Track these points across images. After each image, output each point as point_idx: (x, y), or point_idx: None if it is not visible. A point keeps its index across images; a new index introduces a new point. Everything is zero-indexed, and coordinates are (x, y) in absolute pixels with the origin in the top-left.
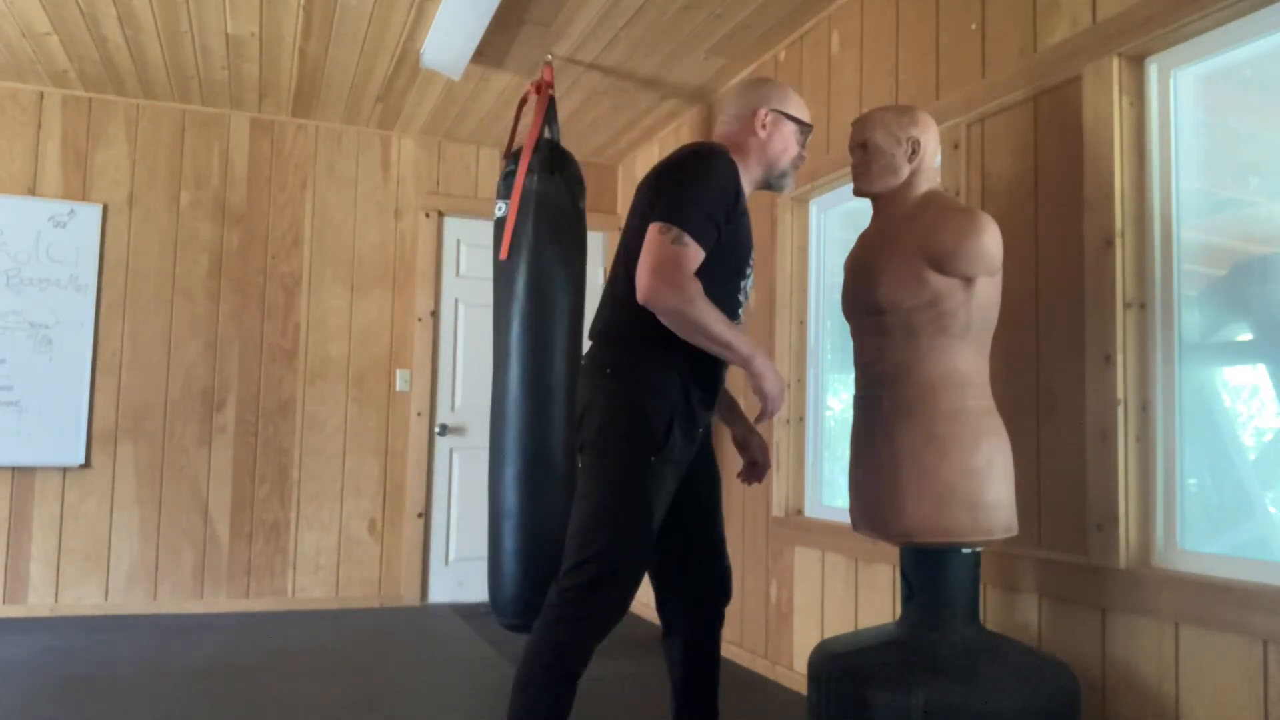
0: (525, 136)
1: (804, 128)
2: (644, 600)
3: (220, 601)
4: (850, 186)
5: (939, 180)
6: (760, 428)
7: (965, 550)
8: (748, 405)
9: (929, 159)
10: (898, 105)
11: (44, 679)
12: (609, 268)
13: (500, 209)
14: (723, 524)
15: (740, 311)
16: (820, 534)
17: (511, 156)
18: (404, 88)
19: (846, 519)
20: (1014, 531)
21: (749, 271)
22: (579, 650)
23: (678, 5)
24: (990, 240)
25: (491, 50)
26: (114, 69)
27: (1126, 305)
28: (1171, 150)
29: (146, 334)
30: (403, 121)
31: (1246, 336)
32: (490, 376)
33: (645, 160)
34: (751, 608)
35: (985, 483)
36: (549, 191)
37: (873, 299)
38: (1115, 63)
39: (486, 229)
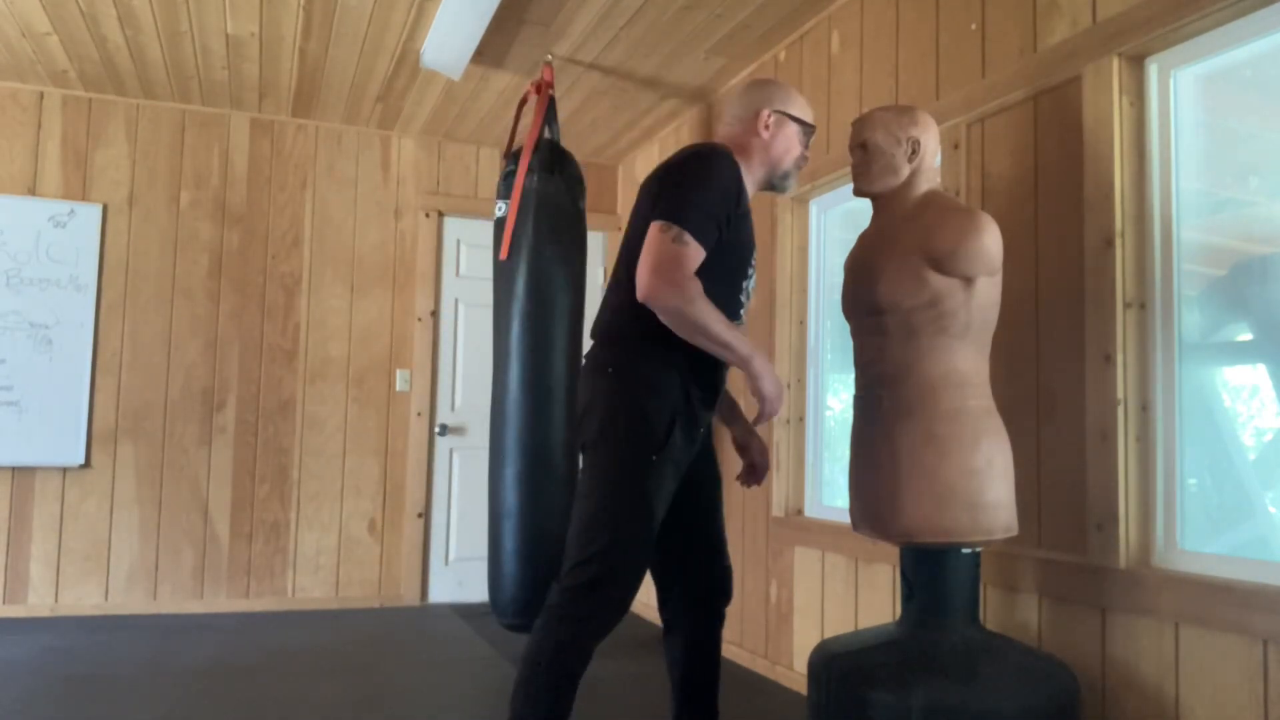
0: (525, 136)
1: (807, 128)
2: (644, 600)
3: (220, 601)
4: (850, 186)
5: (939, 180)
6: (760, 428)
7: (965, 550)
8: (747, 406)
9: (929, 159)
10: (898, 105)
11: (44, 679)
12: (609, 268)
13: (500, 209)
14: (723, 524)
15: (742, 312)
16: (820, 534)
17: (511, 156)
18: (404, 88)
19: (846, 519)
20: (1014, 531)
21: (751, 272)
22: (580, 649)
23: (678, 5)
24: (990, 240)
25: (491, 50)
26: (114, 69)
27: (1126, 305)
28: (1171, 150)
29: (146, 334)
30: (403, 121)
31: (1246, 336)
32: (490, 376)
33: (645, 160)
34: (751, 608)
35: (985, 483)
36: (549, 191)
37: (873, 299)
38: (1115, 63)
39: (486, 229)
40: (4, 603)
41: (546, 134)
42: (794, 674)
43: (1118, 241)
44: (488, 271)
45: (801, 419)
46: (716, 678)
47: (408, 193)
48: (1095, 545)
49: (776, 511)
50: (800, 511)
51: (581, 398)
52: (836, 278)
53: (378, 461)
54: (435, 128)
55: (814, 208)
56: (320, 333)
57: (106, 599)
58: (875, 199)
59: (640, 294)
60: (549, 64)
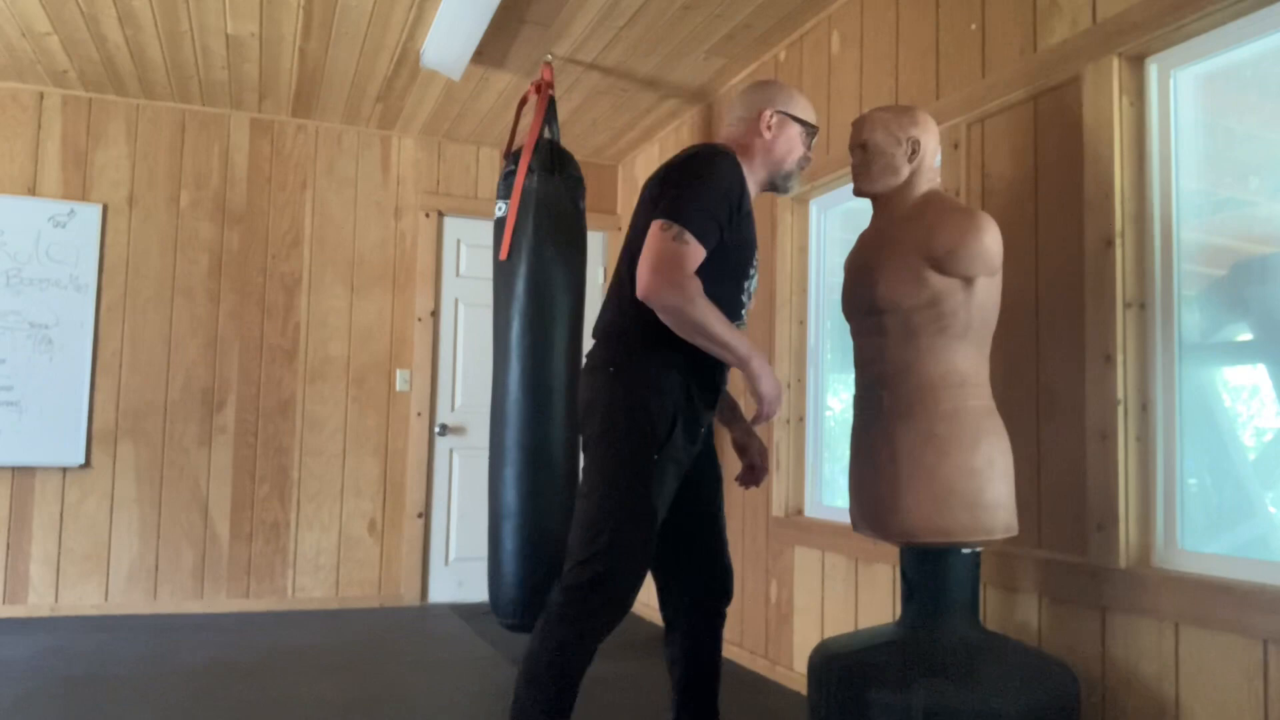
0: (525, 136)
1: (809, 129)
2: (644, 600)
3: (220, 601)
4: (850, 186)
5: (939, 180)
6: (759, 429)
7: (965, 550)
8: (746, 407)
9: (929, 159)
10: (897, 105)
11: (44, 679)
12: (609, 268)
13: (500, 209)
14: (724, 524)
15: (743, 312)
16: (820, 534)
17: (511, 156)
18: (404, 88)
19: (846, 519)
20: (1014, 531)
21: (753, 273)
22: (582, 648)
23: (678, 5)
24: (990, 240)
25: (491, 50)
26: (114, 69)
27: (1126, 305)
28: (1171, 150)
29: (146, 334)
30: (403, 121)
31: (1246, 336)
32: (490, 376)
33: (645, 160)
34: (751, 608)
35: (985, 483)
36: (549, 191)
37: (872, 299)
38: (1115, 63)
39: (486, 229)
40: (4, 603)
41: (546, 134)
42: (794, 674)
43: (1118, 241)
44: (488, 271)
45: (801, 419)
46: (717, 677)
47: (408, 193)
48: (1095, 545)
49: (776, 511)
50: (800, 511)
51: (583, 396)
52: (836, 278)
53: (378, 461)
54: (435, 128)
55: (814, 208)
56: (320, 333)
57: (106, 599)
58: (875, 199)
59: (640, 292)
60: (549, 64)
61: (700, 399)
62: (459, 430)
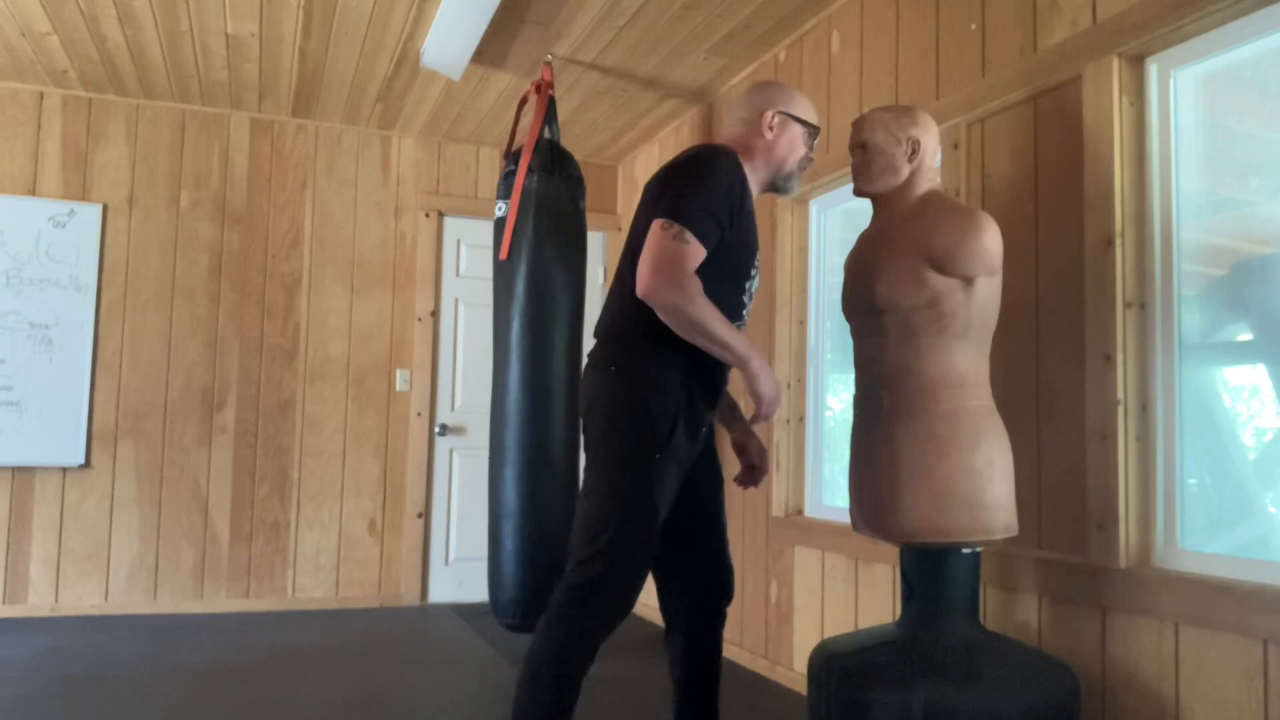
0: (525, 136)
1: (811, 130)
2: (644, 600)
3: (220, 601)
4: (850, 186)
5: (939, 180)
6: (759, 429)
7: (965, 550)
8: (746, 408)
9: (929, 159)
10: (897, 105)
11: (44, 679)
12: (609, 268)
13: (500, 209)
14: (725, 524)
15: (744, 313)
16: (820, 534)
17: (511, 156)
18: (404, 88)
19: (846, 519)
20: (1014, 531)
21: (754, 273)
22: (584, 647)
23: (678, 5)
24: (990, 240)
25: (491, 50)
26: (114, 69)
27: (1126, 305)
28: (1171, 150)
29: (146, 334)
30: (403, 121)
31: (1246, 336)
32: (490, 376)
33: (645, 160)
34: (751, 608)
35: (985, 483)
36: (549, 191)
37: (872, 299)
38: (1115, 63)
39: (486, 229)
40: (4, 603)
41: (546, 134)
42: (794, 674)
43: (1118, 241)
44: (488, 271)
45: (801, 419)
46: (717, 678)
47: (408, 193)
48: (1095, 545)
49: (776, 511)
50: (800, 511)
51: (584, 396)
52: (836, 278)
53: (378, 461)
54: (435, 128)
55: (814, 208)
56: (320, 333)
57: (106, 599)
58: (875, 199)
59: (640, 290)
60: (549, 64)
61: (701, 399)
62: (459, 430)
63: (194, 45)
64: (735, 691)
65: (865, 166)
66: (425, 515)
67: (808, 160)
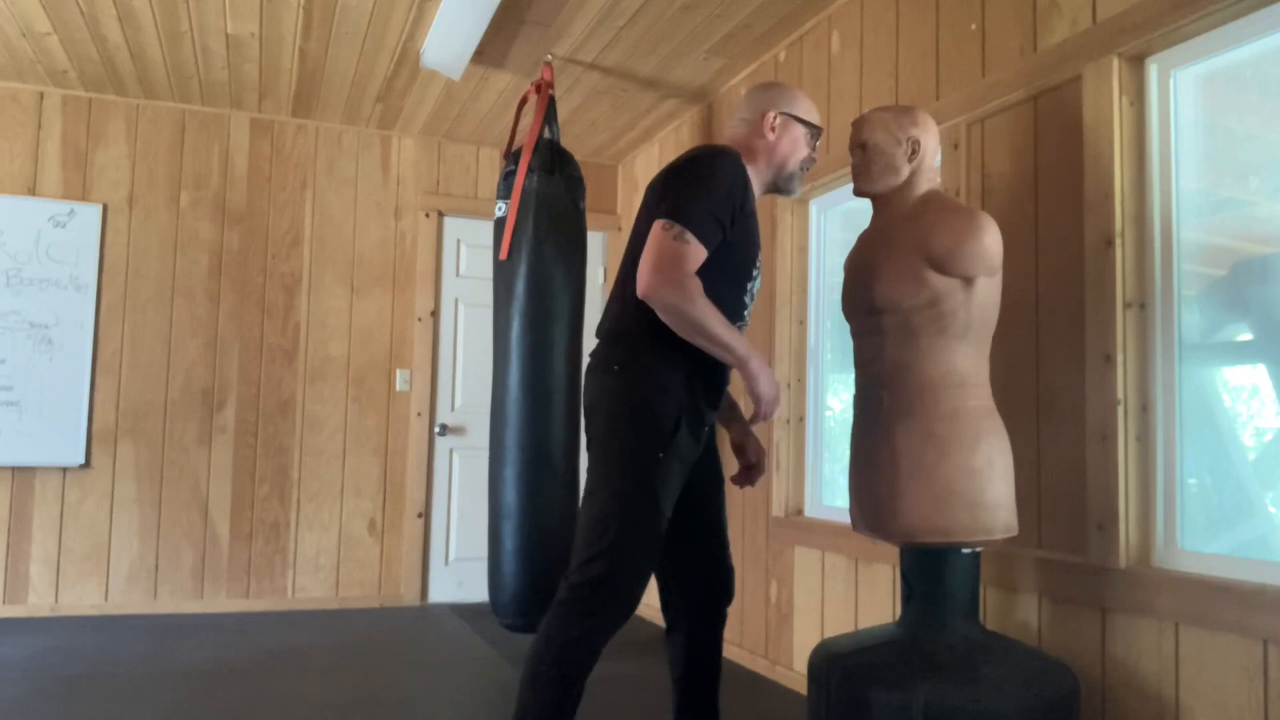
0: (525, 136)
1: (813, 130)
2: (645, 600)
3: (220, 601)
4: (850, 186)
5: (939, 180)
6: (758, 429)
7: (965, 550)
8: (745, 407)
9: (929, 159)
10: (897, 105)
11: (44, 679)
12: (609, 268)
13: (500, 209)
14: (726, 524)
15: (745, 313)
16: (820, 534)
17: (511, 156)
18: (404, 88)
19: (846, 519)
20: (1014, 531)
21: (756, 274)
22: (587, 646)
23: (678, 5)
24: (990, 240)
25: (491, 50)
26: (114, 69)
27: (1126, 305)
28: (1171, 150)
29: (146, 334)
30: (403, 121)
31: (1246, 336)
32: (490, 376)
33: (645, 160)
34: (751, 608)
35: (985, 483)
36: (549, 191)
37: (872, 299)
38: (1115, 63)
39: (486, 229)
40: (4, 603)
41: (546, 134)
42: (794, 674)
43: (1118, 241)
44: (488, 271)
45: (801, 419)
46: (717, 677)
47: (408, 193)
48: (1095, 545)
49: (776, 511)
50: (800, 511)
51: (587, 397)
52: (836, 278)
53: (378, 461)
54: (435, 128)
55: (814, 208)
56: (320, 333)
57: (106, 599)
58: (875, 199)
59: (640, 290)
60: (549, 64)
61: (704, 398)
62: (459, 430)
63: (194, 45)
64: (735, 691)
65: (865, 166)
66: (425, 515)
67: (810, 161)
